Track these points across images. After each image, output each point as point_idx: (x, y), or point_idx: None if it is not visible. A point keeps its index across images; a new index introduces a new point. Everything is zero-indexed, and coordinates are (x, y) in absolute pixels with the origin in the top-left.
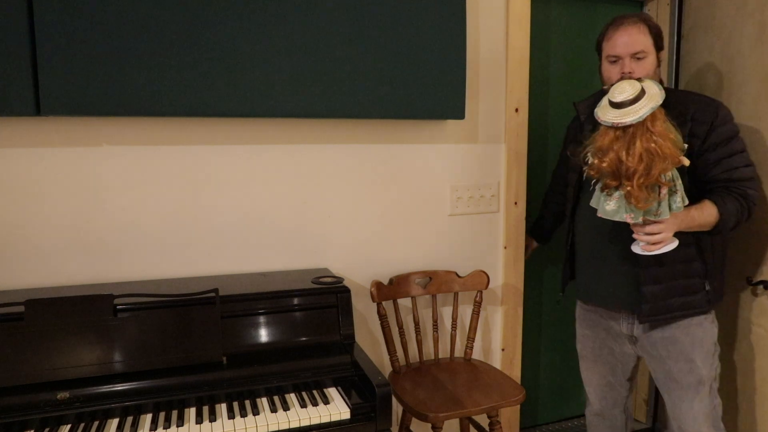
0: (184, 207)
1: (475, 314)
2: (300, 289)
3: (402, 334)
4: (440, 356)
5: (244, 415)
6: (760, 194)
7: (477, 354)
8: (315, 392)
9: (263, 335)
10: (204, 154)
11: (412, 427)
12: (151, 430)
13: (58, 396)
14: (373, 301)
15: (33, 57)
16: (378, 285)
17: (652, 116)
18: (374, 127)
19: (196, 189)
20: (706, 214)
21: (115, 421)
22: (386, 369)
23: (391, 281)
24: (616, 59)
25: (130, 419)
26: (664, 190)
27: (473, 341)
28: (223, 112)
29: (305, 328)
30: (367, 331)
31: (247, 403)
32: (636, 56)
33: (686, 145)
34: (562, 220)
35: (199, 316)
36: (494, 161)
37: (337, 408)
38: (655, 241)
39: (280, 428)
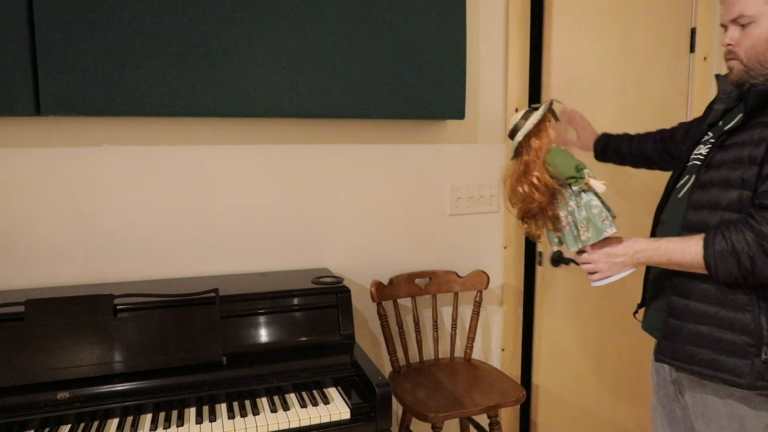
0: (184, 207)
1: (475, 314)
2: (300, 289)
3: (402, 334)
4: (440, 356)
5: (244, 415)
6: None
7: (477, 354)
8: (315, 392)
9: (263, 335)
10: (204, 154)
11: (412, 427)
12: (151, 430)
13: (58, 396)
14: (373, 301)
15: (33, 57)
16: (378, 285)
17: (527, 149)
18: (374, 127)
19: (196, 189)
20: (681, 249)
21: (115, 421)
22: (386, 369)
23: (391, 281)
24: (724, 28)
25: (130, 419)
26: (563, 222)
27: (473, 341)
28: (223, 112)
29: (305, 328)
30: (367, 331)
31: (247, 403)
32: (737, 22)
33: (586, 171)
34: (631, 160)
35: (199, 316)
36: (494, 161)
37: (337, 408)
38: (587, 270)
39: (280, 428)
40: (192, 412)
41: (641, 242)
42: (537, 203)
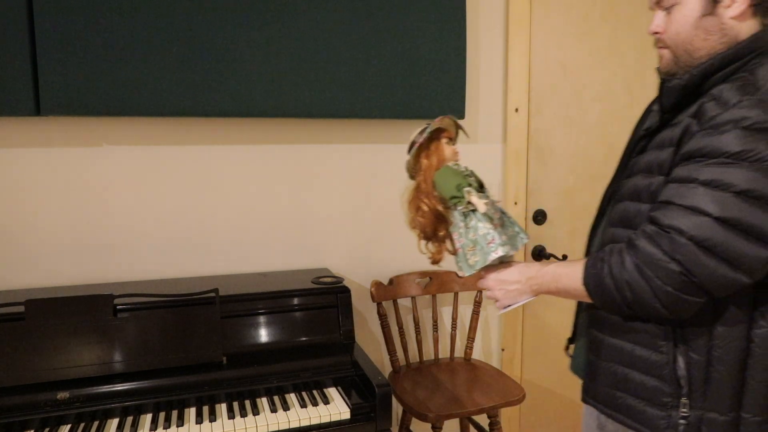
0: (184, 207)
1: (475, 314)
2: (300, 289)
3: (402, 334)
4: (440, 356)
5: (244, 415)
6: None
7: (477, 354)
8: (315, 392)
9: (263, 335)
10: (204, 154)
11: (412, 427)
12: (151, 430)
13: (58, 396)
14: (373, 301)
15: (33, 57)
16: (378, 285)
17: (419, 168)
18: (374, 127)
19: (196, 189)
20: (567, 275)
21: (115, 421)
22: (386, 369)
23: (391, 281)
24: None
25: (130, 419)
26: (456, 245)
27: (473, 341)
28: (223, 112)
29: (305, 328)
30: (367, 331)
31: (247, 403)
32: (660, 6)
33: (466, 189)
34: None
35: (199, 316)
36: (494, 161)
37: (337, 408)
38: (488, 297)
39: (280, 428)
40: (192, 412)
41: (533, 267)
42: (424, 227)
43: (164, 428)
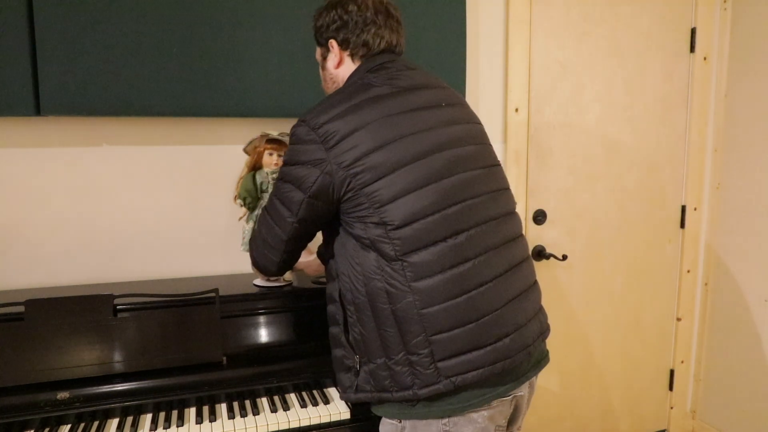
0: (184, 207)
1: None
2: (300, 289)
3: None
4: None
5: (244, 415)
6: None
7: None
8: (315, 392)
9: (263, 335)
10: (204, 154)
11: None
12: (151, 430)
13: (58, 396)
14: None
15: (33, 57)
16: None
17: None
18: None
19: (195, 189)
20: None
21: (115, 421)
22: None
23: None
24: None
25: (130, 419)
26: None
27: None
28: (223, 112)
29: (305, 327)
30: None
31: (247, 403)
32: None
33: (239, 201)
34: None
35: (199, 316)
36: None
37: (337, 408)
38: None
39: (281, 428)
40: (192, 412)
41: None
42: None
43: (164, 428)
